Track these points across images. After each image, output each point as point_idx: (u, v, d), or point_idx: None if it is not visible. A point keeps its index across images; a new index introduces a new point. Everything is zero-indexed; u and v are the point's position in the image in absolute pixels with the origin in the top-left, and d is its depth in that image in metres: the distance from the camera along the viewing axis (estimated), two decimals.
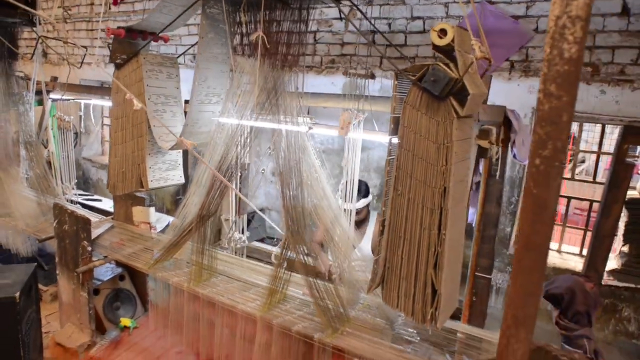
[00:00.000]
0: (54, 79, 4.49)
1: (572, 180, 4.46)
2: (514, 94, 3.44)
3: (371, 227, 3.49)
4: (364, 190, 3.16)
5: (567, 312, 2.06)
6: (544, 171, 1.15)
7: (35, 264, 2.78)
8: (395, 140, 1.80)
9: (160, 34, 2.94)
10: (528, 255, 1.20)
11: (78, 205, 3.92)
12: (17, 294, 2.42)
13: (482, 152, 2.18)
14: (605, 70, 3.13)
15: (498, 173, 2.62)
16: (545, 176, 1.15)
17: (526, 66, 3.38)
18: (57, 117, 3.61)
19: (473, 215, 2.90)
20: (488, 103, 2.58)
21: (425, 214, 1.75)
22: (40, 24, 3.52)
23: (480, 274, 2.75)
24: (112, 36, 2.70)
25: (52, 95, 3.93)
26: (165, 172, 2.85)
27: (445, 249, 1.73)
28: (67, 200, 3.83)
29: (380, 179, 4.10)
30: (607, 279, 2.89)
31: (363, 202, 3.17)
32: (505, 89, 3.45)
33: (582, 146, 5.65)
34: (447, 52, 1.64)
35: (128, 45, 2.77)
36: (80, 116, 4.51)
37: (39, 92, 3.84)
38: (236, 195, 2.73)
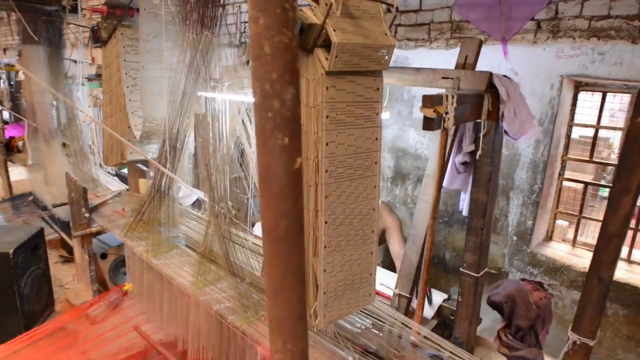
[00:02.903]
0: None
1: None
2: (539, 60, 2.71)
3: (393, 235, 3.16)
4: None
5: (510, 325, 1.59)
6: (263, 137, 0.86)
7: (42, 227, 3.10)
8: None
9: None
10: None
11: (115, 177, 4.29)
12: (12, 251, 2.73)
13: (427, 124, 1.77)
14: None
15: (480, 152, 2.15)
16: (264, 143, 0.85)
17: (555, 25, 2.61)
18: (92, 95, 3.95)
19: (464, 201, 2.45)
20: (480, 69, 2.12)
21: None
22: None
23: (466, 271, 2.31)
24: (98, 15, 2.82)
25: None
26: (146, 146, 2.92)
27: (323, 234, 1.45)
28: (105, 171, 4.23)
29: (395, 160, 3.68)
30: None
31: None
32: (529, 55, 2.73)
33: None
34: None
35: (113, 22, 2.87)
36: None
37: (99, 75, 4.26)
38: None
